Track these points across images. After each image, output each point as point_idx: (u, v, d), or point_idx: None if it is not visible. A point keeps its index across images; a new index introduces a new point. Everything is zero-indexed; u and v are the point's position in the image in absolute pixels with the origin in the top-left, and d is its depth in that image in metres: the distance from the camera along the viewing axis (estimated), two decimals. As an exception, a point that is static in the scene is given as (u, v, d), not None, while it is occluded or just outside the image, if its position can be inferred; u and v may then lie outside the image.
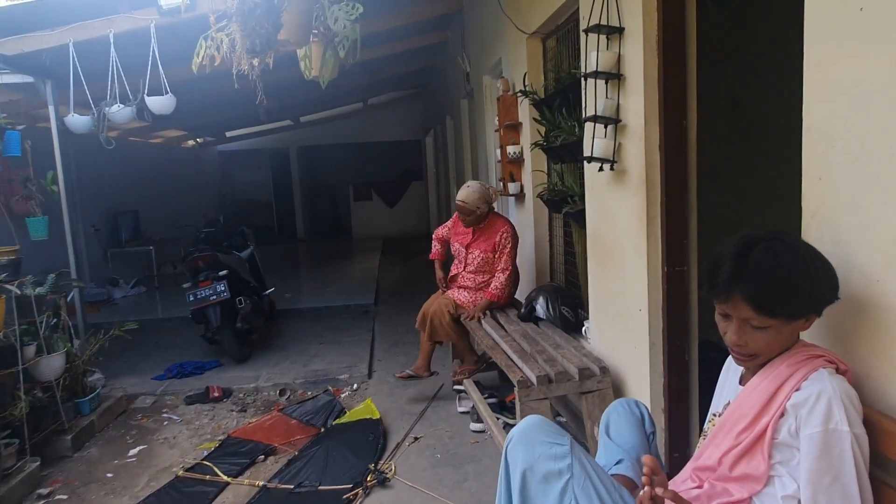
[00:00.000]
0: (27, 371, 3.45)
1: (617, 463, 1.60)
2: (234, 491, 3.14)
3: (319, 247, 12.99)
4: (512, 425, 3.14)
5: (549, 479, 1.33)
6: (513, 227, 3.98)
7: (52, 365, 3.60)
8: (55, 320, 3.81)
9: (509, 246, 3.89)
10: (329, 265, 10.14)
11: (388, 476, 3.10)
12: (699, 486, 1.40)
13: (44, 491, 3.22)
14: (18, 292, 3.36)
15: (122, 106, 4.37)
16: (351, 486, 2.99)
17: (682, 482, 1.45)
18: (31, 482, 3.25)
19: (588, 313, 3.23)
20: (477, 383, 3.78)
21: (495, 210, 4.08)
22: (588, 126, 2.70)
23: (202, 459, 3.46)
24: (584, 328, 3.25)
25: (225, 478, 3.22)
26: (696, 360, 2.51)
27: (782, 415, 1.29)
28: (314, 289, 8.23)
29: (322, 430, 3.77)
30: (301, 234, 14.55)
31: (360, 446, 3.42)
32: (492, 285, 3.91)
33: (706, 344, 2.58)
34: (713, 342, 2.60)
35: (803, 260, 1.31)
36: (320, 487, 3.04)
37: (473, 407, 3.68)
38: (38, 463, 3.35)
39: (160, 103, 4.33)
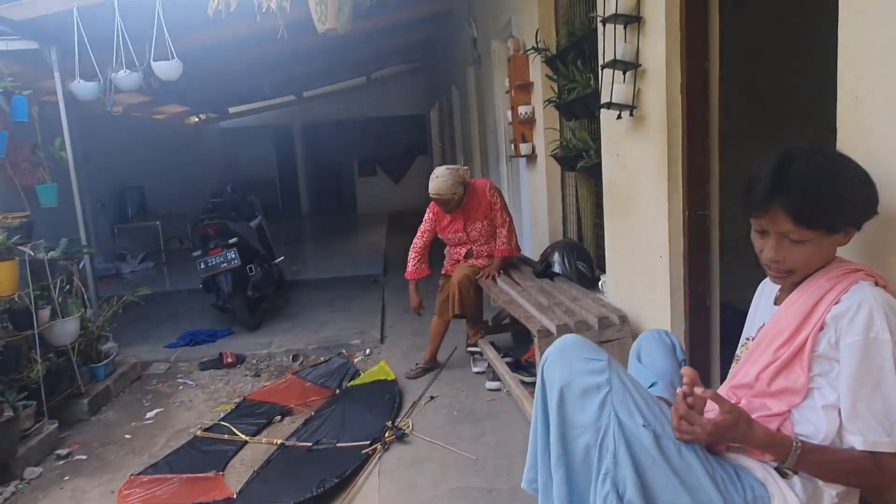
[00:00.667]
0: (42, 335, 3.46)
1: (651, 386, 1.59)
2: (253, 449, 3.15)
3: (324, 222, 12.96)
4: (528, 384, 3.14)
5: (587, 394, 1.32)
6: (491, 182, 3.90)
7: (67, 329, 3.60)
8: (68, 286, 3.81)
9: (499, 202, 3.81)
10: (335, 239, 10.12)
11: (406, 432, 3.11)
12: (737, 403, 1.39)
13: (62, 452, 3.24)
14: (32, 254, 3.35)
15: (128, 72, 4.32)
16: (369, 442, 3.00)
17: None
18: (49, 443, 3.27)
19: (601, 268, 3.21)
20: (492, 344, 3.78)
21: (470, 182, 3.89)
22: (606, 73, 2.66)
23: (219, 420, 3.47)
24: (600, 282, 3.23)
25: (243, 437, 3.24)
26: (718, 306, 2.49)
27: (822, 328, 1.28)
28: (322, 261, 8.22)
29: (337, 391, 3.78)
30: (305, 210, 14.51)
31: (376, 405, 3.42)
32: (498, 242, 3.86)
33: (725, 306, 2.56)
34: (732, 305, 2.59)
35: (844, 170, 1.29)
36: (338, 444, 3.05)
37: (489, 366, 3.68)
38: (55, 425, 3.37)
39: (167, 69, 4.27)
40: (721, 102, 2.38)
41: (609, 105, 2.60)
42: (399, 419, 3.30)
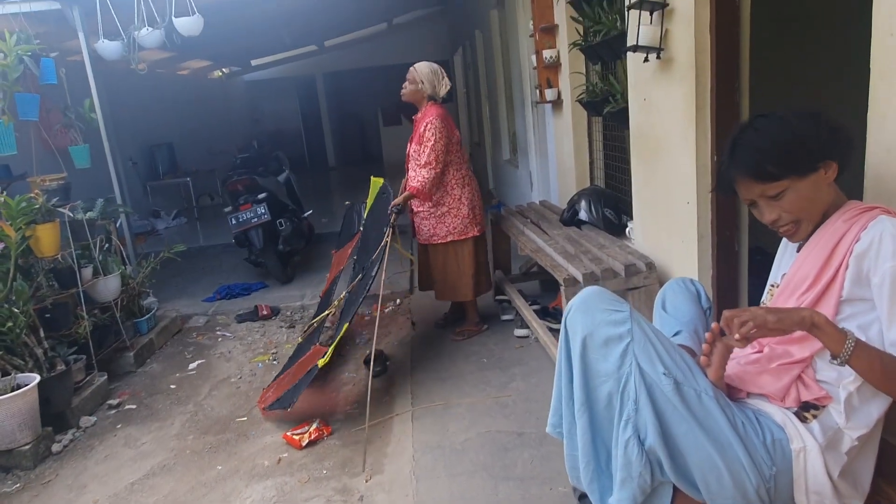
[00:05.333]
0: (86, 293, 3.60)
1: (675, 334, 1.62)
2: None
3: (351, 173, 12.98)
4: (556, 331, 3.18)
5: (609, 344, 1.35)
6: (443, 119, 3.42)
7: (109, 286, 3.75)
8: (107, 245, 3.93)
9: (433, 139, 3.36)
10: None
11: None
12: (759, 351, 1.41)
13: (113, 402, 3.42)
14: (71, 215, 3.46)
15: (150, 29, 4.33)
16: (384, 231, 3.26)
17: (741, 349, 1.45)
18: (100, 394, 3.45)
19: (629, 215, 3.20)
20: (520, 291, 3.82)
21: (440, 104, 3.57)
22: (633, 14, 2.57)
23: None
24: (627, 229, 3.22)
25: (325, 315, 3.64)
26: (746, 252, 2.47)
27: (846, 268, 1.28)
28: (350, 213, 8.27)
29: (360, 230, 3.93)
30: (332, 161, 14.52)
31: (383, 213, 3.49)
32: (410, 175, 3.51)
33: (756, 249, 2.54)
34: (760, 247, 2.56)
35: (781, 120, 1.36)
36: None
37: (517, 314, 3.74)
38: (105, 377, 3.55)
39: (188, 24, 4.27)
40: (752, 40, 2.31)
41: (636, 48, 2.53)
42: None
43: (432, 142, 3.38)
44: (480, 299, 4.04)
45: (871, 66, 1.51)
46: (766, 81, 3.02)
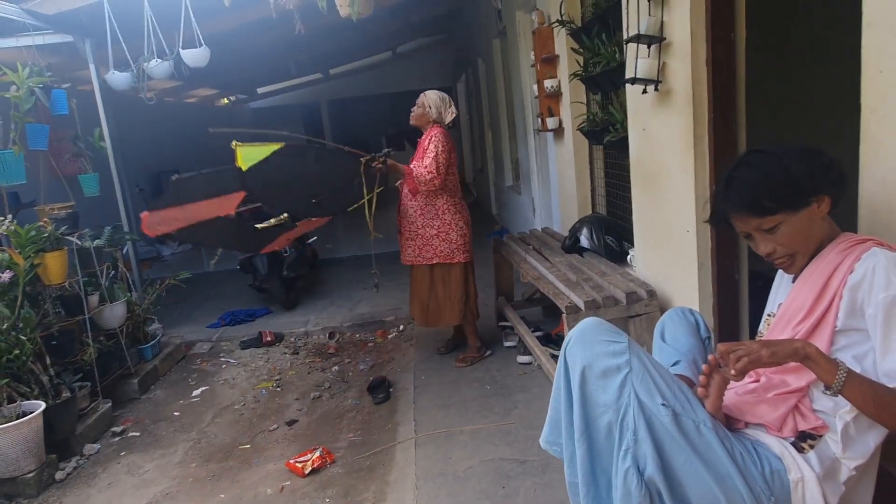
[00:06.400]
0: (92, 320, 3.63)
1: (674, 364, 1.64)
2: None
3: (356, 199, 13.03)
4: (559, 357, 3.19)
5: (607, 375, 1.37)
6: (447, 135, 3.54)
7: (115, 313, 3.78)
8: (114, 272, 3.98)
9: (436, 151, 3.44)
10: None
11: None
12: (756, 381, 1.43)
13: (117, 429, 3.43)
14: (79, 243, 3.51)
15: (159, 61, 4.43)
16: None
17: (738, 381, 1.47)
18: (104, 421, 3.46)
19: (630, 242, 3.22)
20: (522, 318, 3.84)
21: (446, 127, 3.65)
22: (630, 47, 2.63)
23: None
24: (629, 256, 3.24)
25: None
26: (746, 280, 2.50)
27: (840, 298, 1.31)
28: (353, 238, 8.33)
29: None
30: (365, 193, 14.61)
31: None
32: (415, 161, 3.54)
33: (757, 274, 2.56)
34: (762, 272, 2.58)
35: (775, 155, 1.39)
36: None
37: (520, 341, 3.75)
38: (109, 404, 3.56)
39: (195, 56, 4.36)
40: (748, 73, 2.36)
41: (634, 80, 2.58)
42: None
43: (435, 152, 3.46)
44: (483, 325, 4.07)
45: (861, 102, 1.55)
46: (764, 113, 3.08)
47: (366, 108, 14.94)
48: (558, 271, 3.20)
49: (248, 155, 3.34)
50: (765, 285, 2.20)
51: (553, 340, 3.60)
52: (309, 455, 2.85)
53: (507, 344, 3.94)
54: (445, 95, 3.71)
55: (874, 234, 1.51)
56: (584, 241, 3.39)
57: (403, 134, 14.52)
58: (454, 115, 3.69)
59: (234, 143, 3.25)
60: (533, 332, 3.62)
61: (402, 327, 4.66)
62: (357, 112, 15.09)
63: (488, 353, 3.83)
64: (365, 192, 3.34)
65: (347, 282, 6.09)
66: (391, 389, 3.56)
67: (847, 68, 1.58)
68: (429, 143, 3.52)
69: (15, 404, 2.88)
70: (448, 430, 2.98)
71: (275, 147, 3.35)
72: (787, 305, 1.42)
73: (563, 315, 2.78)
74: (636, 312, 2.72)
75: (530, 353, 3.58)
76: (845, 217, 1.58)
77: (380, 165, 3.37)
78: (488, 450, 2.75)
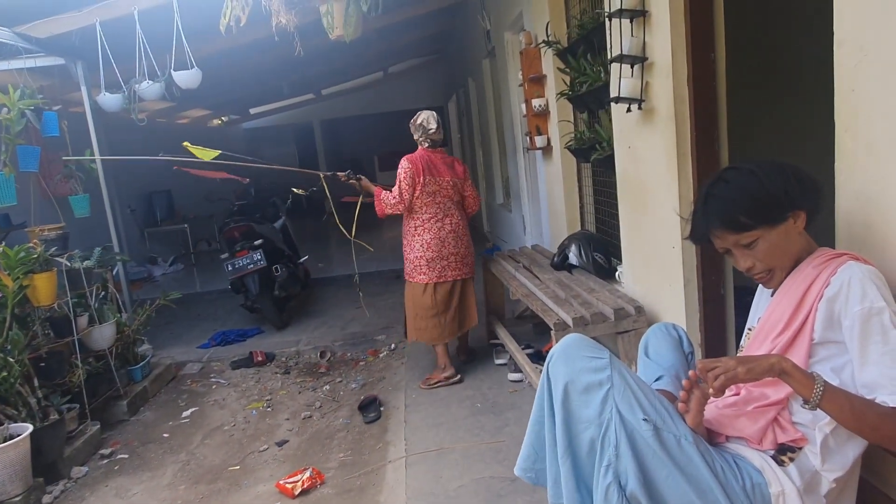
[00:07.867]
0: (81, 341, 3.62)
1: (657, 379, 1.65)
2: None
3: (347, 218, 13.07)
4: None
5: (589, 390, 1.39)
6: (411, 161, 3.66)
7: (104, 334, 3.76)
8: (103, 293, 3.96)
9: (399, 178, 3.65)
10: (359, 235, 10.22)
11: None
12: (736, 394, 1.45)
13: (105, 451, 3.40)
14: (69, 265, 3.50)
15: (151, 82, 4.46)
16: None
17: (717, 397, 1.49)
18: (93, 443, 3.43)
19: (619, 258, 3.25)
20: (513, 335, 3.85)
21: (428, 149, 3.76)
22: (614, 67, 2.68)
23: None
24: (617, 273, 3.27)
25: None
26: (732, 295, 2.52)
27: (817, 311, 1.33)
28: (345, 257, 8.34)
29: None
30: (329, 207, 14.67)
31: None
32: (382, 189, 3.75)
33: (745, 289, 2.58)
34: (748, 287, 2.61)
35: (750, 171, 1.42)
36: None
37: (511, 358, 3.75)
38: (98, 426, 3.53)
39: (187, 77, 4.40)
40: (729, 90, 2.40)
41: (618, 99, 2.63)
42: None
43: (398, 179, 3.70)
44: (476, 343, 4.10)
45: (835, 120, 1.58)
46: (747, 121, 3.13)
47: (358, 128, 15.03)
48: (547, 288, 3.22)
49: (200, 153, 3.88)
50: (751, 300, 2.24)
51: (543, 358, 3.60)
52: (299, 476, 2.83)
53: (497, 361, 3.94)
54: (422, 118, 3.77)
55: (851, 248, 1.54)
56: (573, 257, 3.42)
57: (396, 153, 14.61)
58: (429, 137, 3.74)
59: (185, 143, 3.77)
60: (523, 349, 3.62)
61: (393, 346, 4.66)
62: (349, 131, 15.18)
63: (457, 377, 3.72)
64: (331, 202, 3.68)
65: (339, 300, 6.09)
66: (382, 408, 3.55)
67: (827, 87, 1.62)
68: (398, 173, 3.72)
69: (2, 427, 2.85)
70: (439, 448, 2.98)
71: (214, 153, 3.87)
72: (765, 319, 1.45)
73: (552, 332, 2.79)
74: (624, 328, 2.74)
75: (521, 371, 3.58)
76: (823, 232, 1.61)
77: (348, 179, 3.75)
78: (479, 468, 2.75)
